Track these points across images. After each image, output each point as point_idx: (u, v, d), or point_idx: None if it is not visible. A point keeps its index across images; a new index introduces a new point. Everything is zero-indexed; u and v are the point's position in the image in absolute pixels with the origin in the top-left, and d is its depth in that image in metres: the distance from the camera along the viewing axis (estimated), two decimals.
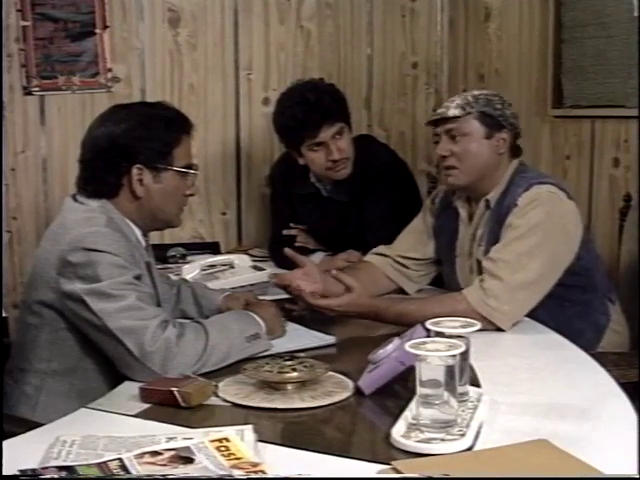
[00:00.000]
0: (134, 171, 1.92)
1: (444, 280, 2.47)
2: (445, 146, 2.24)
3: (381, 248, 2.49)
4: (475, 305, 2.05)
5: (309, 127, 2.72)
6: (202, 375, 1.69)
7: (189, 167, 2.00)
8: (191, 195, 2.05)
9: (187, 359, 1.73)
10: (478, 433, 1.41)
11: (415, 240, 2.46)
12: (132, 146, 1.91)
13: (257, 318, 1.91)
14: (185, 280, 2.45)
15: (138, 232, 1.99)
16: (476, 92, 2.28)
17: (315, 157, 2.77)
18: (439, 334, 1.51)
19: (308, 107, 2.70)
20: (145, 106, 2.09)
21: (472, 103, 2.21)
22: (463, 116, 2.20)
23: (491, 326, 2.05)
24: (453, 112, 2.20)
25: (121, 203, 1.94)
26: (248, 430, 1.37)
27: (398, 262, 2.44)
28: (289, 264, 2.77)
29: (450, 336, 1.48)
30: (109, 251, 1.81)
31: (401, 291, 2.46)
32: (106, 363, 1.83)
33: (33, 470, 1.23)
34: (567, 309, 2.24)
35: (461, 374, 1.46)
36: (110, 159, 1.91)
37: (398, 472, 1.26)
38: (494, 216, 2.22)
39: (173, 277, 2.54)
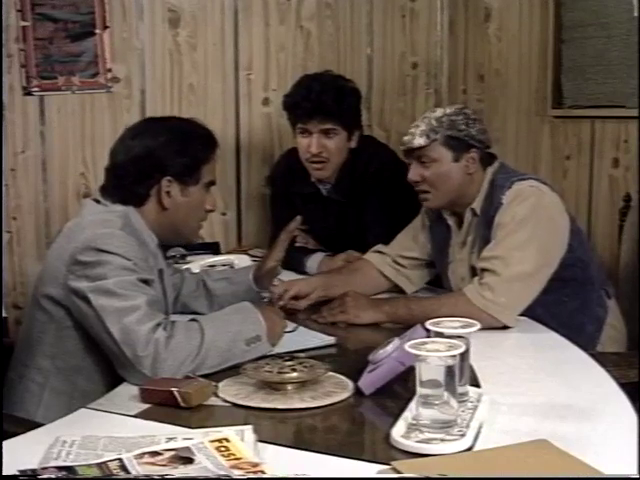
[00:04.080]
0: (164, 183, 1.97)
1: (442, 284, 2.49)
2: (416, 172, 2.28)
3: (380, 247, 2.50)
4: (472, 299, 2.07)
5: (301, 113, 2.78)
6: (202, 375, 1.69)
7: (212, 183, 2.07)
8: (211, 211, 2.10)
9: (178, 361, 1.71)
10: (478, 433, 1.41)
11: (413, 239, 2.48)
12: (166, 159, 1.97)
13: (260, 318, 1.86)
14: (194, 273, 2.44)
15: (156, 240, 2.02)
16: (439, 113, 2.27)
17: (301, 143, 2.84)
18: (439, 334, 1.51)
19: (307, 95, 2.75)
20: (180, 121, 2.14)
21: (436, 128, 2.22)
22: (429, 144, 2.22)
23: (497, 323, 2.06)
24: (418, 142, 2.23)
25: (146, 212, 1.99)
26: (248, 430, 1.37)
27: (397, 262, 2.46)
28: (289, 265, 2.78)
29: (450, 336, 1.48)
30: (119, 253, 1.82)
31: (398, 289, 2.47)
32: (110, 364, 1.83)
33: (33, 470, 1.23)
34: (566, 304, 2.26)
35: (461, 374, 1.46)
36: (142, 169, 1.96)
37: (398, 472, 1.26)
38: (482, 221, 2.25)
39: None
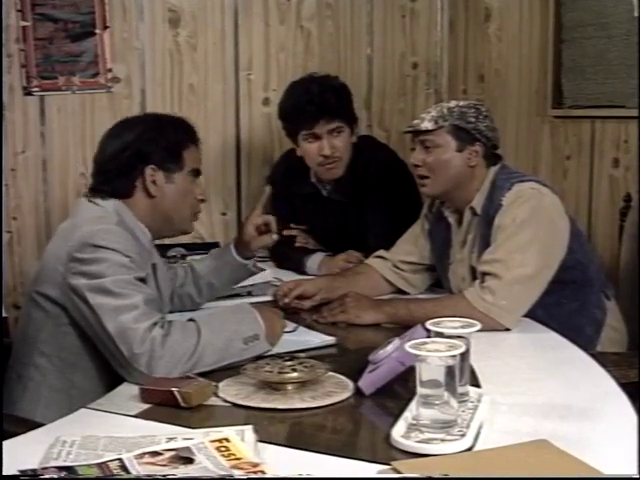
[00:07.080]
0: (148, 171, 1.98)
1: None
2: (418, 156, 2.29)
3: (381, 252, 2.51)
4: (473, 302, 2.07)
5: (306, 117, 2.75)
6: (202, 375, 1.69)
7: (198, 172, 2.07)
8: (202, 200, 2.11)
9: (174, 359, 1.71)
10: (478, 433, 1.41)
11: (414, 245, 2.48)
12: (145, 148, 1.99)
13: (258, 318, 1.86)
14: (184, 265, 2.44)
15: (149, 234, 2.02)
16: (452, 103, 2.30)
17: (309, 149, 2.81)
18: (439, 334, 1.51)
19: (309, 98, 2.74)
20: (153, 114, 2.20)
21: (446, 116, 2.24)
22: (436, 129, 2.24)
23: (498, 326, 2.06)
24: (426, 125, 2.25)
25: (135, 204, 1.99)
26: (248, 430, 1.37)
27: (398, 267, 2.46)
28: (289, 265, 2.78)
29: (450, 336, 1.48)
30: (117, 249, 1.83)
31: (400, 292, 2.47)
32: (107, 361, 1.83)
33: (33, 470, 1.23)
34: (565, 306, 2.26)
35: (461, 374, 1.46)
36: (124, 162, 1.98)
37: (398, 472, 1.26)
38: (482, 221, 2.25)
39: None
